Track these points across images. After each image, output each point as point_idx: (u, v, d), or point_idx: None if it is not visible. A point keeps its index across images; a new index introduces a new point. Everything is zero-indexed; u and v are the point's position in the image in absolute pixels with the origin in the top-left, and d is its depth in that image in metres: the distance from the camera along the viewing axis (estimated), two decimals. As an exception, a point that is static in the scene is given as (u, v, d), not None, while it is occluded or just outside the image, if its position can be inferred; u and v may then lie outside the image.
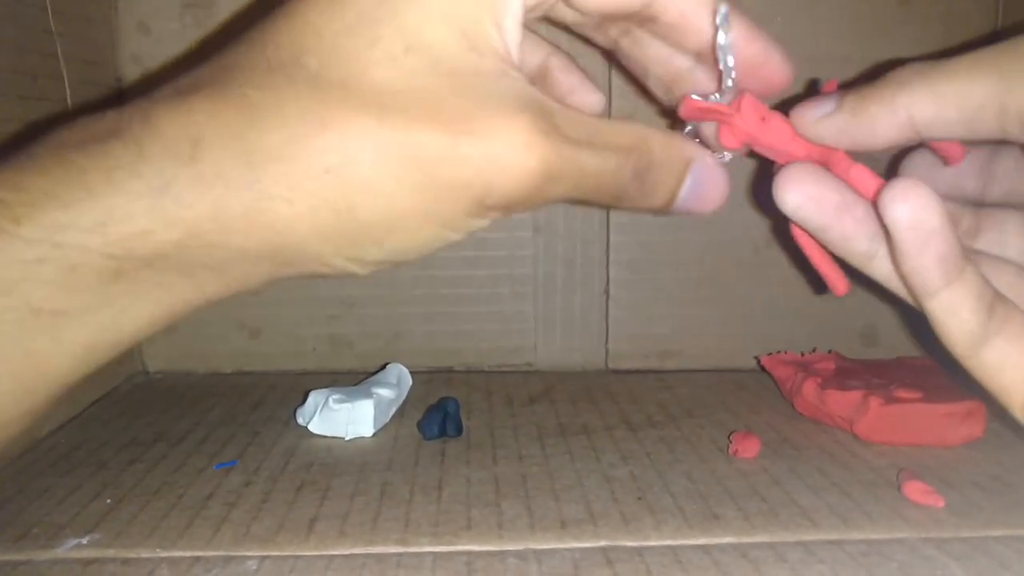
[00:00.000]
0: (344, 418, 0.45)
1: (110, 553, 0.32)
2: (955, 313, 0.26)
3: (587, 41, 0.32)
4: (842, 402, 0.44)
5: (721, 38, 0.28)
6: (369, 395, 0.46)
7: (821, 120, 0.29)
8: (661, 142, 0.28)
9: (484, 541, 0.33)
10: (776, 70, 0.30)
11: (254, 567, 0.31)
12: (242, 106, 0.24)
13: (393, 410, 0.48)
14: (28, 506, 0.36)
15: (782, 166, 0.27)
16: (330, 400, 0.45)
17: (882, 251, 0.28)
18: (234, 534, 0.34)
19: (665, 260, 0.56)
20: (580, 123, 0.26)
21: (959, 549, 0.32)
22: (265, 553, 0.32)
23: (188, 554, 0.32)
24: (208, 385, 0.54)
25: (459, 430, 0.45)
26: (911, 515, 0.35)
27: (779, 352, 0.53)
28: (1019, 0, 0.55)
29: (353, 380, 0.50)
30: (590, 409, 0.49)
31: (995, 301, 0.26)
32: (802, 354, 0.53)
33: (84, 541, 0.33)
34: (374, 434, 0.45)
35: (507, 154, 0.24)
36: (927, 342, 0.54)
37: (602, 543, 0.33)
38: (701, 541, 0.33)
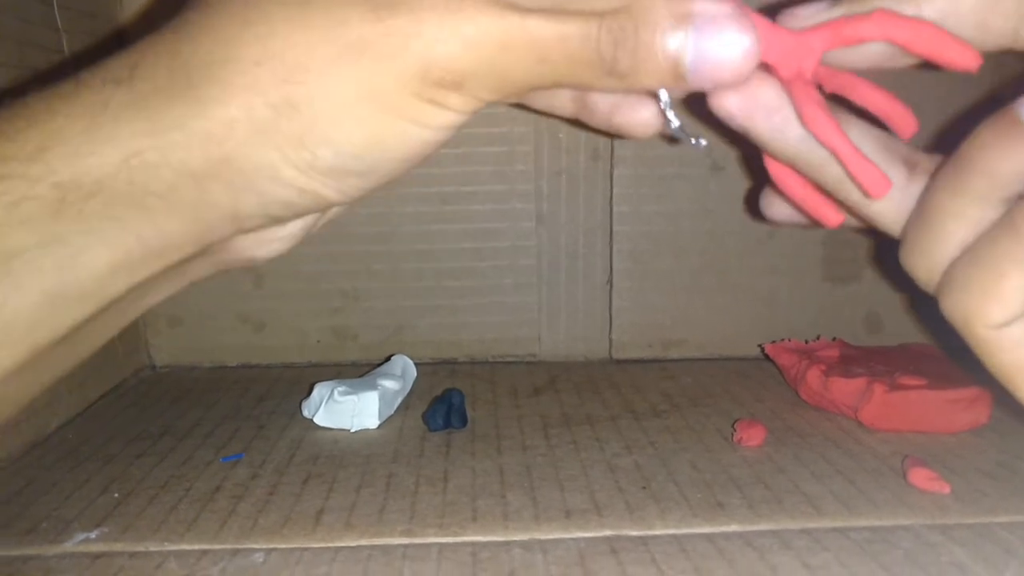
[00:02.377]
0: (349, 410, 0.45)
1: (118, 547, 0.32)
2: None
3: None
4: (846, 389, 0.45)
5: (669, 114, 0.25)
6: (374, 387, 0.46)
7: (815, 15, 0.25)
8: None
9: (490, 532, 0.33)
10: None
11: (261, 559, 0.31)
12: (179, 27, 0.23)
13: (398, 402, 0.48)
14: (36, 501, 0.36)
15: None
16: (335, 392, 0.45)
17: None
18: (241, 527, 0.34)
19: (668, 249, 0.56)
20: None
21: (964, 535, 0.32)
22: (272, 545, 0.32)
23: (196, 547, 0.32)
24: (214, 379, 0.54)
25: (464, 421, 0.45)
26: (916, 502, 0.35)
27: (783, 340, 0.53)
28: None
29: (358, 372, 0.51)
30: (594, 399, 0.49)
31: None
32: (806, 342, 0.53)
33: (92, 535, 0.33)
34: (379, 426, 0.45)
35: (437, 20, 0.22)
36: (932, 328, 0.54)
37: (607, 533, 0.33)
38: (706, 530, 0.33)
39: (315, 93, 0.23)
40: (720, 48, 0.23)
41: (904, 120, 0.26)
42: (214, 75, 0.22)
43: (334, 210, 0.29)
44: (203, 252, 0.26)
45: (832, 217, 0.27)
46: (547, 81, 0.24)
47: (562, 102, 0.28)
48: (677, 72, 0.23)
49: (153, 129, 0.22)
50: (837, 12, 0.24)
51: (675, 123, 0.25)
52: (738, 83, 0.24)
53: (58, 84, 0.23)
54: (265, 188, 0.24)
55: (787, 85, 0.24)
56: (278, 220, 0.26)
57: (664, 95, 0.25)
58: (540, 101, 0.28)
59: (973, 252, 0.23)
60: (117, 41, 0.53)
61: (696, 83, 0.24)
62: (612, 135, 0.30)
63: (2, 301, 0.22)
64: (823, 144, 0.24)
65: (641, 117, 0.27)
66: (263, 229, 0.26)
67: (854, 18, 0.24)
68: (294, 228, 0.28)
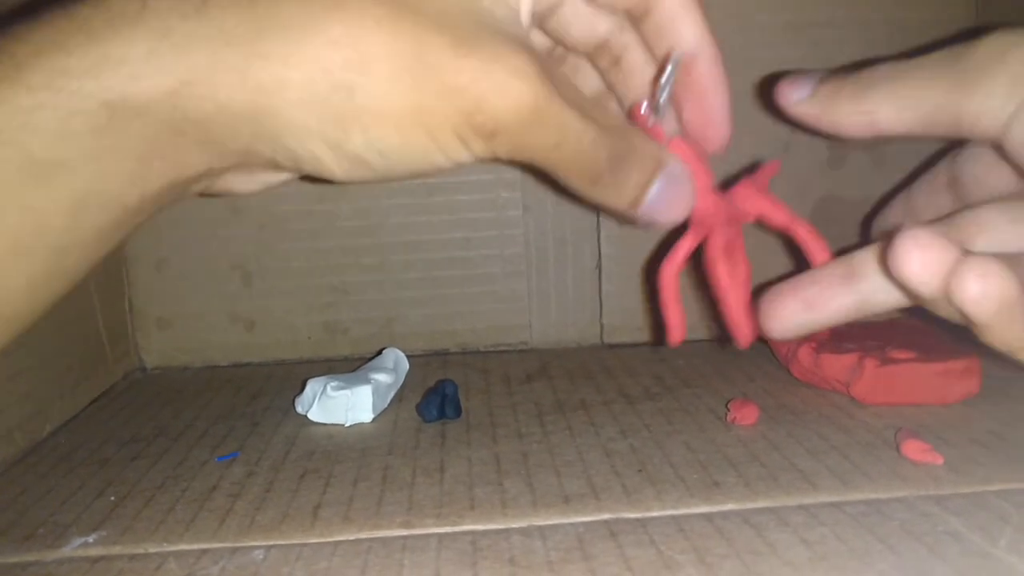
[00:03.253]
0: (343, 405, 0.45)
1: (117, 550, 0.32)
2: None
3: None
4: (838, 365, 0.45)
5: (663, 78, 0.30)
6: (367, 381, 0.46)
7: (797, 104, 0.32)
8: (641, 137, 0.29)
9: (488, 520, 0.33)
10: (713, 137, 0.33)
11: (261, 557, 0.31)
12: None
13: (391, 395, 0.48)
14: (32, 507, 0.36)
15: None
16: (328, 388, 0.45)
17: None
18: (239, 525, 0.34)
19: (655, 234, 0.56)
20: (573, 89, 0.27)
21: (959, 505, 0.32)
22: (271, 542, 0.32)
23: (195, 547, 0.32)
24: (205, 379, 0.54)
25: (458, 411, 0.45)
26: (910, 474, 0.35)
27: (773, 319, 0.53)
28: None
29: (350, 367, 0.51)
30: (587, 384, 0.49)
31: None
32: (796, 320, 0.53)
33: (90, 539, 0.33)
34: (373, 419, 0.45)
35: (503, 75, 0.25)
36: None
37: (605, 516, 0.33)
38: (703, 509, 0.33)
39: (375, 90, 0.24)
40: (670, 202, 0.30)
41: (816, 247, 0.33)
42: (288, 37, 0.24)
43: None
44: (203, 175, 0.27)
45: (744, 338, 0.32)
46: (545, 163, 0.27)
47: None
48: (635, 203, 0.29)
49: (210, 66, 0.23)
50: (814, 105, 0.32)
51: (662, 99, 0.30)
52: (665, 226, 0.30)
53: (122, 1, 0.23)
54: (288, 144, 0.25)
55: (708, 232, 0.31)
56: (278, 169, 0.27)
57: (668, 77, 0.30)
58: None
59: None
60: None
61: (639, 215, 0.29)
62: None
63: (39, 211, 0.23)
64: (717, 286, 0.32)
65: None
66: (258, 170, 0.28)
67: (762, 196, 0.33)
68: (281, 178, 0.30)
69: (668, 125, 0.32)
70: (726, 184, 0.34)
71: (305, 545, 0.32)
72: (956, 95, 0.28)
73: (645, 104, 0.31)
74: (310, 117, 0.24)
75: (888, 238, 0.27)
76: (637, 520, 0.33)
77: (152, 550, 0.32)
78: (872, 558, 0.29)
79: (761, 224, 0.34)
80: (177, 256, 0.56)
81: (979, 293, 0.25)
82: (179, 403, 0.50)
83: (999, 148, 0.29)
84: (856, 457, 0.37)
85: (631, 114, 0.31)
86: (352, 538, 0.32)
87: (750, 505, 0.33)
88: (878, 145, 0.56)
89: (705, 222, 0.32)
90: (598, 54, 0.33)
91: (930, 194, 0.37)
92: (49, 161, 0.23)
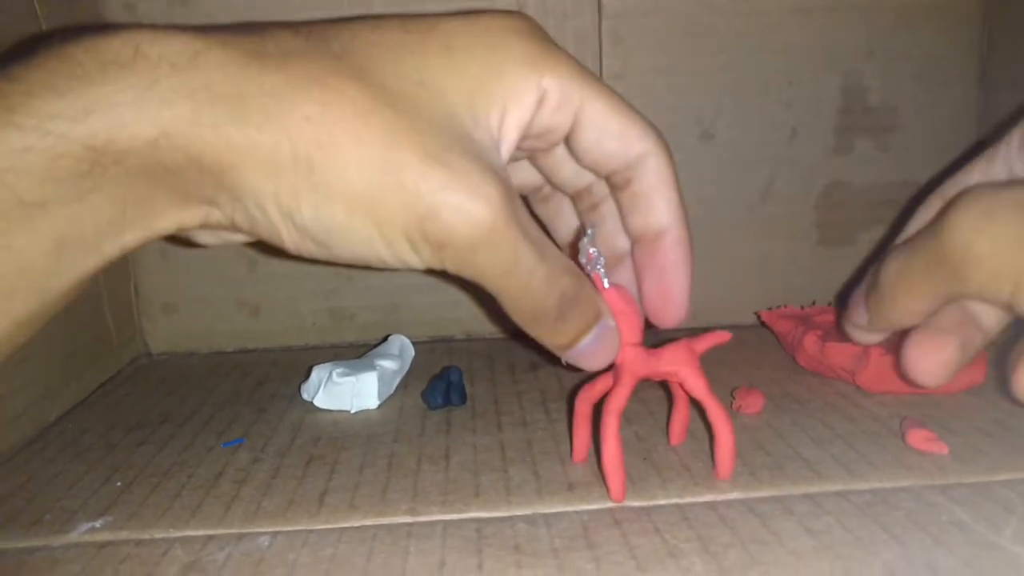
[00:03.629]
0: (349, 391, 0.45)
1: (123, 535, 0.33)
2: None
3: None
4: (843, 354, 0.45)
5: (582, 253, 0.32)
6: (372, 367, 0.46)
7: (857, 332, 0.35)
8: (589, 288, 0.31)
9: (493, 507, 0.33)
10: (668, 315, 0.34)
11: (267, 543, 0.31)
12: (252, 50, 0.25)
13: (397, 381, 0.48)
14: (39, 492, 0.36)
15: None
16: (334, 374, 0.45)
17: None
18: (245, 511, 0.34)
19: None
20: (535, 228, 0.28)
21: (964, 494, 0.32)
22: (277, 529, 0.33)
23: (201, 533, 0.32)
24: (211, 365, 0.54)
25: (463, 398, 0.45)
26: (915, 463, 0.35)
27: (778, 307, 0.53)
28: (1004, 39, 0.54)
29: (355, 353, 0.51)
30: (593, 372, 0.49)
31: None
32: (801, 307, 0.53)
33: (97, 524, 0.33)
34: (379, 406, 0.45)
35: (464, 194, 0.25)
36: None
37: (609, 504, 0.33)
38: (708, 498, 0.33)
39: (333, 171, 0.25)
40: (597, 353, 0.32)
41: (723, 430, 0.34)
42: (267, 105, 0.25)
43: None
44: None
45: (616, 493, 0.33)
46: (494, 287, 0.28)
47: None
48: (566, 347, 0.31)
49: (191, 120, 0.24)
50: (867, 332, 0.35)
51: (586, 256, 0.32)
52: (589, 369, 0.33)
53: (116, 46, 0.24)
54: (247, 204, 0.26)
55: (623, 380, 0.33)
56: (235, 231, 0.28)
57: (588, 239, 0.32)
58: None
59: None
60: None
61: (565, 356, 0.32)
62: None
63: (22, 251, 0.24)
64: (603, 435, 0.33)
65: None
66: (221, 229, 0.28)
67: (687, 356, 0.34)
68: (240, 238, 0.30)
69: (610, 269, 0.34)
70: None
71: (311, 531, 0.32)
72: (956, 288, 0.29)
73: (583, 255, 0.32)
74: (269, 182, 0.25)
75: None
76: (641, 508, 0.33)
77: (158, 536, 0.32)
78: (877, 547, 0.29)
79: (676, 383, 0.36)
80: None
81: None
82: (185, 389, 0.50)
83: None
84: (861, 446, 0.37)
85: (571, 255, 0.33)
86: (357, 525, 0.33)
87: (755, 494, 0.33)
88: (884, 133, 0.56)
89: (623, 369, 0.33)
90: (580, 197, 0.35)
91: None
92: (33, 203, 0.23)
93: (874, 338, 0.35)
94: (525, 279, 0.28)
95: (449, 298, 0.57)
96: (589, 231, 0.32)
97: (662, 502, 0.33)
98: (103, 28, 0.24)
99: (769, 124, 0.55)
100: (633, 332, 0.33)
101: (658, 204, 0.32)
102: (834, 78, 0.55)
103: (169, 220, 0.26)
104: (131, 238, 0.26)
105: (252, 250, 0.55)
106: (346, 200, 0.25)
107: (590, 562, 0.29)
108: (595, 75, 0.30)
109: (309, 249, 0.27)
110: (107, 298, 0.52)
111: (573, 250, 0.35)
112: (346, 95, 0.25)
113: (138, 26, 0.25)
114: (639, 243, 0.33)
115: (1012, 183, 0.30)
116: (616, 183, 0.33)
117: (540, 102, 0.29)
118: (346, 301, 0.57)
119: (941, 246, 0.28)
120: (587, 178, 0.34)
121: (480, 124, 0.28)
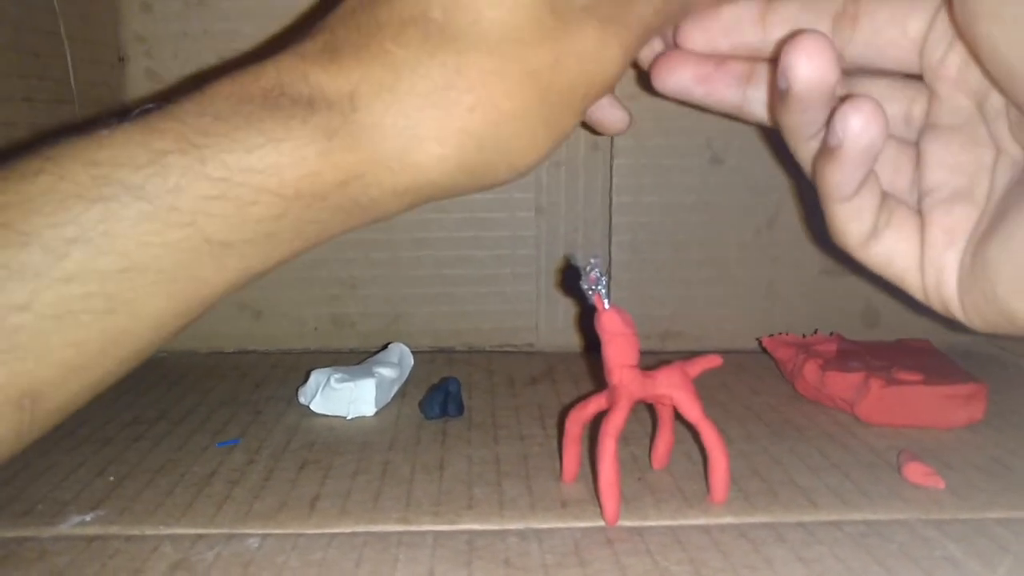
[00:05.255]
0: (346, 397, 0.45)
1: (114, 530, 0.33)
2: (858, 216, 0.28)
3: None
4: (843, 384, 0.45)
5: (585, 277, 0.34)
6: (371, 374, 0.46)
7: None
8: None
9: (485, 520, 0.33)
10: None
11: (256, 544, 0.31)
12: (387, 63, 0.27)
13: (395, 389, 0.48)
14: (32, 483, 0.36)
15: None
16: (332, 379, 0.45)
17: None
18: (236, 512, 0.34)
19: (666, 241, 0.56)
20: None
21: (959, 530, 0.32)
22: (267, 531, 0.32)
23: (191, 531, 0.32)
24: (211, 364, 0.54)
25: (460, 410, 0.45)
26: (911, 496, 0.35)
27: (780, 334, 0.53)
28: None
29: (355, 360, 0.51)
30: (591, 390, 0.49)
31: (885, 197, 0.29)
32: (803, 336, 0.53)
33: (88, 518, 0.33)
34: (376, 413, 0.45)
35: (597, 53, 0.28)
36: (929, 324, 0.54)
37: (602, 523, 0.33)
38: (701, 521, 0.33)
39: (515, 129, 0.28)
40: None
41: (717, 453, 0.34)
42: (432, 118, 0.27)
43: None
44: None
45: (611, 516, 0.32)
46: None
47: None
48: None
49: (374, 158, 0.26)
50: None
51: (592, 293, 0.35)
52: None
53: (281, 100, 0.26)
54: (439, 196, 0.29)
55: (619, 401, 0.33)
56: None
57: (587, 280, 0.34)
58: None
59: None
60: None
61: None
62: (592, 129, 0.37)
63: (206, 282, 0.26)
64: (599, 456, 0.32)
65: (614, 115, 0.36)
66: None
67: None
68: None
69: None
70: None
71: (301, 535, 0.32)
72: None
73: (584, 280, 0.34)
74: (465, 178, 0.28)
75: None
76: (634, 528, 0.33)
77: (148, 532, 0.32)
78: (868, 579, 0.29)
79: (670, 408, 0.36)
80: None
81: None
82: (183, 387, 0.50)
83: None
84: (857, 477, 0.37)
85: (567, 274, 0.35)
86: (348, 531, 0.32)
87: (748, 520, 0.33)
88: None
89: (620, 391, 0.34)
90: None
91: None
92: (222, 243, 0.25)
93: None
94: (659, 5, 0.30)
95: (451, 309, 0.57)
96: (592, 259, 0.33)
97: (655, 523, 0.33)
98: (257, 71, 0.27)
99: (778, 150, 0.55)
100: (630, 354, 0.34)
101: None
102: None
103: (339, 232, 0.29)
104: (301, 247, 0.28)
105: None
106: (533, 138, 0.28)
107: (580, 580, 0.29)
108: None
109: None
110: (110, 293, 0.52)
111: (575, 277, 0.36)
112: (478, 66, 0.27)
113: (285, 68, 0.27)
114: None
115: None
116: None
117: None
118: (348, 308, 0.57)
119: None
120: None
121: None
